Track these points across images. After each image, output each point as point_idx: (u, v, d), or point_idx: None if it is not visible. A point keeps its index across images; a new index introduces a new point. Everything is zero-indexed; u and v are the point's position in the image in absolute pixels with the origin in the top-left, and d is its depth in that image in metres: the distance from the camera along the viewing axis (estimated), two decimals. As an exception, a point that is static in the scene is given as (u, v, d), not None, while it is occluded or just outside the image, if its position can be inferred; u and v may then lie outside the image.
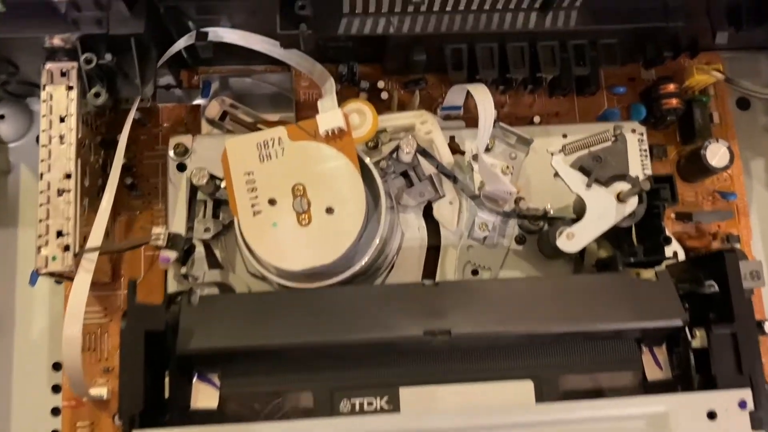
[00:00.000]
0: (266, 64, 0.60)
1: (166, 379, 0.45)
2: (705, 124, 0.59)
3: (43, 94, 0.50)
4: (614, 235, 0.51)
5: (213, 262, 0.53)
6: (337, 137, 0.47)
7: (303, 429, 0.42)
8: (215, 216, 0.53)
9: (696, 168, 0.58)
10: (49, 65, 0.50)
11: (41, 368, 0.56)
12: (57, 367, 0.56)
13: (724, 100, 0.62)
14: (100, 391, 0.53)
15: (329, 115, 0.47)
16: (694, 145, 0.59)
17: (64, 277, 0.50)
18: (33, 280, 0.57)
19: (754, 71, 0.63)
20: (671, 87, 0.58)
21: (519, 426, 0.43)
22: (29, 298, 0.57)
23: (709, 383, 0.45)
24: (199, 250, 0.53)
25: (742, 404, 0.43)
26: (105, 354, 0.55)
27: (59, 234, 0.48)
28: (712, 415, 0.42)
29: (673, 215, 0.59)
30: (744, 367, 0.44)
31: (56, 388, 0.56)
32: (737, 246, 0.58)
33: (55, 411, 0.55)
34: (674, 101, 0.58)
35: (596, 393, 0.47)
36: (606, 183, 0.49)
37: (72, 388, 0.50)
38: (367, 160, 0.49)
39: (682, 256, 0.53)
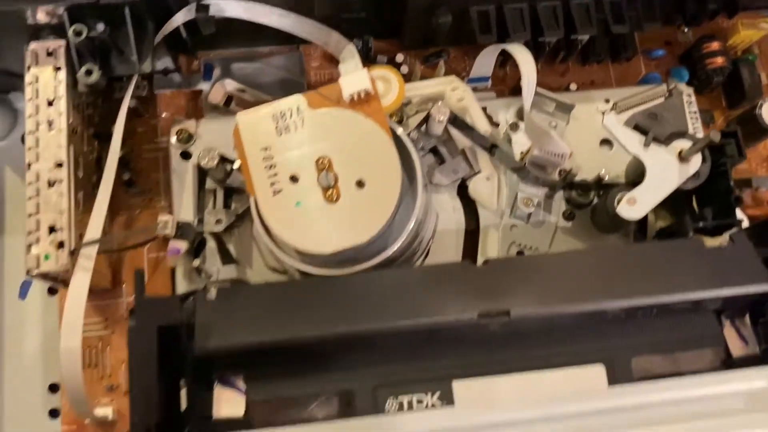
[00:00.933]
0: (272, 45, 0.55)
1: (182, 391, 0.39)
2: (755, 84, 0.54)
3: (28, 77, 0.44)
4: (673, 203, 0.46)
5: (227, 257, 0.47)
6: (363, 102, 0.42)
7: (346, 429, 0.36)
8: (226, 206, 0.48)
9: (749, 131, 0.53)
10: (33, 45, 0.45)
11: (36, 391, 0.50)
12: (54, 388, 0.50)
13: (768, 62, 0.58)
14: (104, 411, 0.47)
15: (354, 76, 0.41)
16: (743, 107, 0.54)
17: (58, 281, 0.44)
18: (23, 293, 0.52)
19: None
20: (715, 45, 0.53)
21: (592, 414, 0.37)
22: (20, 314, 0.51)
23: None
24: (211, 245, 0.47)
25: None
26: (108, 370, 0.49)
27: (52, 230, 0.42)
28: (820, 388, 0.37)
29: (727, 185, 0.54)
30: None
31: (54, 413, 0.49)
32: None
33: (54, 439, 0.49)
34: (720, 60, 0.53)
35: (675, 376, 0.41)
36: (665, 141, 0.44)
37: (73, 408, 0.44)
38: (400, 130, 0.44)
39: (747, 224, 0.48)
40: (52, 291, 0.51)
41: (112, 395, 0.48)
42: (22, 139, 0.54)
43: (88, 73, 0.43)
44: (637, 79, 0.56)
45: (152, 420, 0.35)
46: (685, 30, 0.57)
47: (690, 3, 0.53)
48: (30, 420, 0.49)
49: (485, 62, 0.50)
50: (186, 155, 0.49)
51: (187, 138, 0.48)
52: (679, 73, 0.55)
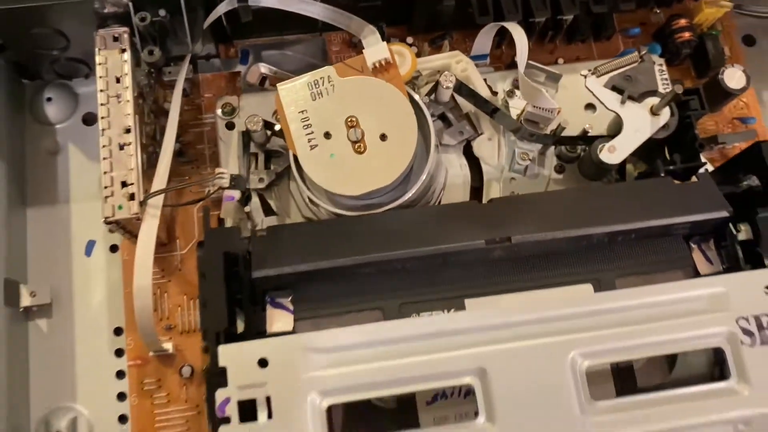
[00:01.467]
0: (298, 32, 0.63)
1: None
2: (718, 54, 0.62)
3: (99, 58, 0.52)
4: (647, 153, 0.54)
5: (268, 211, 0.55)
6: (384, 69, 0.50)
7: (375, 330, 0.43)
8: (267, 167, 0.55)
9: (714, 95, 0.61)
10: (101, 32, 0.53)
11: (103, 335, 0.57)
12: (118, 332, 0.57)
13: (732, 36, 0.66)
14: (166, 345, 0.54)
15: (376, 48, 0.50)
16: (710, 77, 0.62)
17: (126, 231, 0.52)
18: (89, 251, 0.59)
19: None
20: (683, 22, 0.62)
21: (581, 316, 0.44)
22: (86, 269, 0.59)
23: (758, 268, 0.47)
24: (255, 201, 0.55)
25: (796, 278, 0.45)
26: (166, 313, 0.56)
27: (123, 184, 0.50)
28: (770, 290, 0.44)
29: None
30: (793, 245, 0.46)
31: (119, 352, 0.57)
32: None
33: (120, 374, 0.56)
34: (687, 34, 0.61)
35: (653, 292, 0.48)
36: (638, 99, 0.52)
37: (143, 338, 0.51)
38: (416, 96, 0.52)
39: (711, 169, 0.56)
40: (113, 249, 0.59)
41: (170, 334, 0.56)
42: (83, 121, 0.63)
43: (150, 53, 0.52)
44: (616, 54, 0.64)
45: (221, 327, 0.43)
46: (657, 11, 0.65)
47: (660, -15, 0.61)
48: (99, 360, 0.57)
49: (484, 40, 0.58)
50: (230, 125, 0.57)
51: (231, 111, 0.56)
52: (653, 47, 0.63)
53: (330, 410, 0.42)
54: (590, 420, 0.42)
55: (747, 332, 0.44)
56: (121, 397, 0.56)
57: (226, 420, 0.41)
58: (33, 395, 0.56)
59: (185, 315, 0.56)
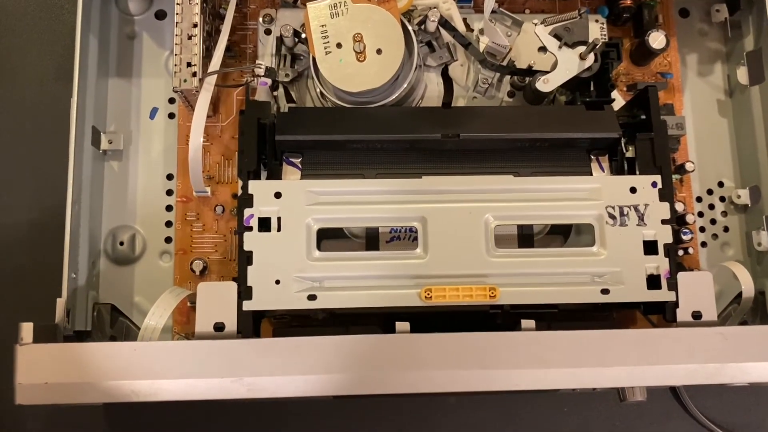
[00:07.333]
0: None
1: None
2: (651, 21, 0.79)
3: (177, -29, 0.70)
4: (576, 86, 0.72)
5: (289, 99, 0.74)
6: (385, 2, 0.68)
7: (357, 184, 0.63)
8: (292, 66, 0.74)
9: (642, 52, 0.78)
10: (179, -50, 0.71)
11: (158, 177, 0.77)
12: (170, 177, 0.77)
13: (668, 8, 0.82)
14: (206, 188, 0.74)
15: (381, -14, 0.68)
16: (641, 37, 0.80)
17: (187, 101, 0.71)
18: (152, 115, 0.78)
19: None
20: (627, -8, 0.79)
21: (499, 191, 0.64)
22: (149, 129, 0.78)
23: (633, 174, 0.66)
24: (280, 90, 0.74)
25: (654, 184, 0.64)
26: (207, 167, 0.76)
27: (188, 65, 0.69)
28: (633, 190, 0.64)
29: (624, 88, 0.80)
30: (657, 161, 0.65)
31: (169, 192, 0.76)
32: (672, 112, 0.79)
33: (168, 207, 0.76)
34: (628, 2, 0.78)
35: (558, 187, 0.68)
36: (572, 46, 0.70)
37: (192, 181, 0.71)
38: (408, 26, 0.70)
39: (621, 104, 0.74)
40: (170, 116, 0.79)
41: (209, 182, 0.75)
42: (155, 15, 0.81)
43: (215, -33, 0.70)
44: (575, 9, 0.81)
45: (251, 167, 0.62)
46: (611, -20, 0.82)
47: (611, -40, 0.78)
48: (154, 195, 0.76)
49: (467, -10, 0.76)
50: (268, 32, 0.75)
51: (269, 20, 0.75)
52: (602, 10, 0.80)
53: (319, 231, 0.62)
54: (492, 260, 0.62)
55: (611, 216, 0.63)
56: (168, 224, 0.76)
57: (250, 228, 0.61)
58: (105, 215, 0.75)
59: (222, 169, 0.75)
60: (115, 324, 0.71)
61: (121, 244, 0.74)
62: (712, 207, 0.79)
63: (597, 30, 0.76)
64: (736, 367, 0.59)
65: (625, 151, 0.68)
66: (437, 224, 0.62)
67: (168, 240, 0.75)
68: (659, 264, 0.62)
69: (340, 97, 0.69)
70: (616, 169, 0.68)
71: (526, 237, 0.67)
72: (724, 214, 0.79)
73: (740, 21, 0.80)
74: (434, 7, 0.72)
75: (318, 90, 0.71)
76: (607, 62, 0.70)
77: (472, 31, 0.76)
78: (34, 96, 0.81)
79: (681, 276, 0.62)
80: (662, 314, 0.63)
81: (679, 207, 0.71)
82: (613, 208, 0.63)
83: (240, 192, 0.62)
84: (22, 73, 0.82)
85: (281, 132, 0.65)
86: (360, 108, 0.68)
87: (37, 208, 0.78)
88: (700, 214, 0.78)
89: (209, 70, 0.69)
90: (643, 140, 0.66)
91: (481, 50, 0.73)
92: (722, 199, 0.79)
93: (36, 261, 0.77)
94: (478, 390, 0.57)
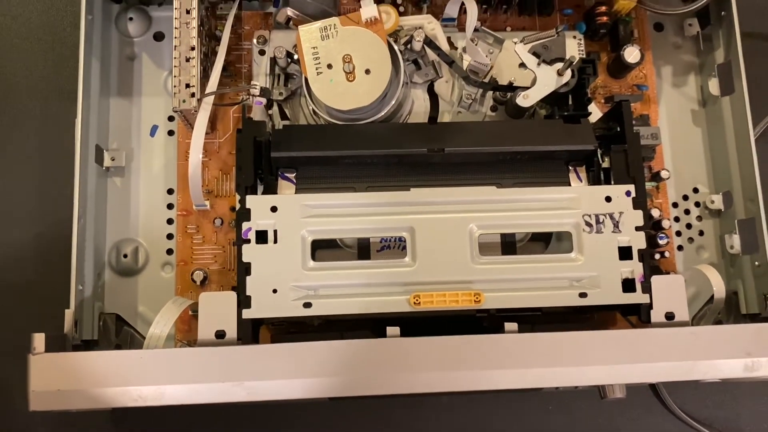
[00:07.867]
0: (317, -13, 0.84)
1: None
2: (626, 36, 0.83)
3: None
4: (554, 101, 0.76)
5: (284, 117, 0.78)
6: (373, 24, 0.72)
7: (348, 197, 0.67)
8: (285, 85, 0.78)
9: (618, 66, 0.83)
10: (178, -24, 0.74)
11: (159, 192, 0.80)
12: (170, 191, 0.80)
13: (643, 23, 0.87)
14: (205, 202, 0.78)
15: (369, 8, 0.71)
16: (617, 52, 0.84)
17: (186, 120, 0.75)
18: (153, 133, 0.82)
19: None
20: (603, 8, 0.82)
21: (482, 202, 0.67)
22: (150, 146, 0.81)
23: (609, 183, 0.70)
24: (275, 108, 0.77)
25: (628, 193, 0.68)
26: (206, 181, 0.79)
27: (187, 86, 0.72)
28: (608, 199, 0.67)
29: (602, 100, 0.84)
30: (630, 171, 0.69)
31: (170, 205, 0.80)
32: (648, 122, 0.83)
33: (170, 220, 0.80)
34: (605, 19, 0.82)
35: (539, 196, 0.72)
36: (550, 63, 0.74)
37: (191, 195, 0.74)
38: (394, 46, 0.74)
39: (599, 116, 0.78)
40: (170, 133, 0.82)
41: (208, 196, 0.79)
42: (154, 37, 0.85)
43: (213, -12, 0.74)
44: (554, 27, 0.85)
45: (248, 183, 0.66)
46: (587, -2, 0.86)
47: (588, -20, 0.82)
48: (155, 209, 0.80)
49: (453, 7, 0.80)
50: (262, 52, 0.79)
51: (263, 41, 0.79)
52: (580, 26, 0.84)
53: (313, 243, 0.66)
54: (477, 267, 0.66)
55: (588, 224, 0.67)
56: (170, 236, 0.79)
57: (248, 241, 0.65)
58: (108, 229, 0.79)
59: (220, 183, 0.79)
60: (120, 333, 0.75)
61: (125, 256, 0.78)
62: (687, 212, 0.83)
63: (575, 45, 0.81)
64: (708, 364, 0.63)
65: (601, 162, 0.72)
66: (425, 234, 0.66)
67: (169, 252, 0.79)
68: (634, 268, 0.66)
69: (331, 115, 0.73)
70: (593, 179, 0.72)
71: (508, 244, 0.71)
72: (699, 218, 0.83)
73: (711, 35, 0.85)
74: (419, 28, 0.76)
75: (311, 108, 0.75)
76: (584, 78, 0.74)
77: (456, 49, 0.80)
78: (39, 114, 0.85)
79: (654, 279, 0.66)
80: (638, 316, 0.66)
81: (656, 213, 0.75)
82: (590, 216, 0.67)
83: (238, 207, 0.66)
84: (27, 92, 0.86)
85: (276, 149, 0.69)
86: (351, 125, 0.72)
87: (43, 224, 0.82)
88: (677, 219, 0.82)
89: (207, 91, 0.72)
90: (617, 152, 0.70)
91: (464, 68, 0.77)
92: (697, 204, 0.83)
93: (42, 273, 0.80)
94: (465, 390, 0.61)
